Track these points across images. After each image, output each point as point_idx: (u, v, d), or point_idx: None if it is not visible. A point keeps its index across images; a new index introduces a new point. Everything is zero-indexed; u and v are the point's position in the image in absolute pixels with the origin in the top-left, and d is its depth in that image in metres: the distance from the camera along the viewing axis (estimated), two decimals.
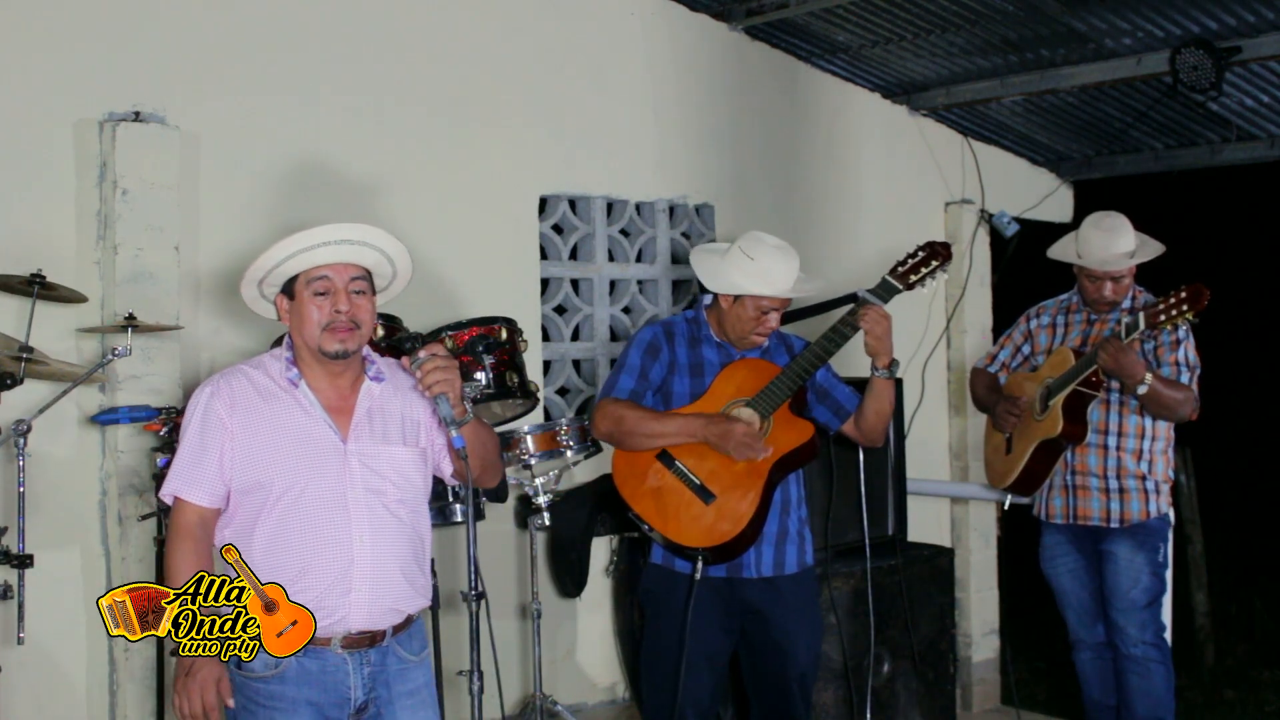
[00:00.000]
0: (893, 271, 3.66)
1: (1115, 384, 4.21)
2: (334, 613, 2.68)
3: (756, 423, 3.58)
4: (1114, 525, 4.31)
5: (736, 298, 3.64)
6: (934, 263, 3.64)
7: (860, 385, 3.74)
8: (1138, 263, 4.32)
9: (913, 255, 3.67)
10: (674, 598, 3.65)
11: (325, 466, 2.74)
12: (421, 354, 2.74)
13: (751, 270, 3.61)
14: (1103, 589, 4.38)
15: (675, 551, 3.66)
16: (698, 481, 3.59)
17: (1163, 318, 3.92)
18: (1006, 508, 4.70)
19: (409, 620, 2.85)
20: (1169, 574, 4.48)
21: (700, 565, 3.59)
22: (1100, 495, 4.31)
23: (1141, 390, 4.09)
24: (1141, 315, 3.97)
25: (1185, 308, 3.88)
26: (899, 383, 4.87)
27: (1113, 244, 4.30)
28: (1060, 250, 4.46)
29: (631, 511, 3.65)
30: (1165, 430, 4.33)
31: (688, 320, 3.78)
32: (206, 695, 2.61)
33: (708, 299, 3.77)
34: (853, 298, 3.72)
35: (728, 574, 3.66)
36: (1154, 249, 4.33)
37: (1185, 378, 4.20)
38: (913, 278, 3.65)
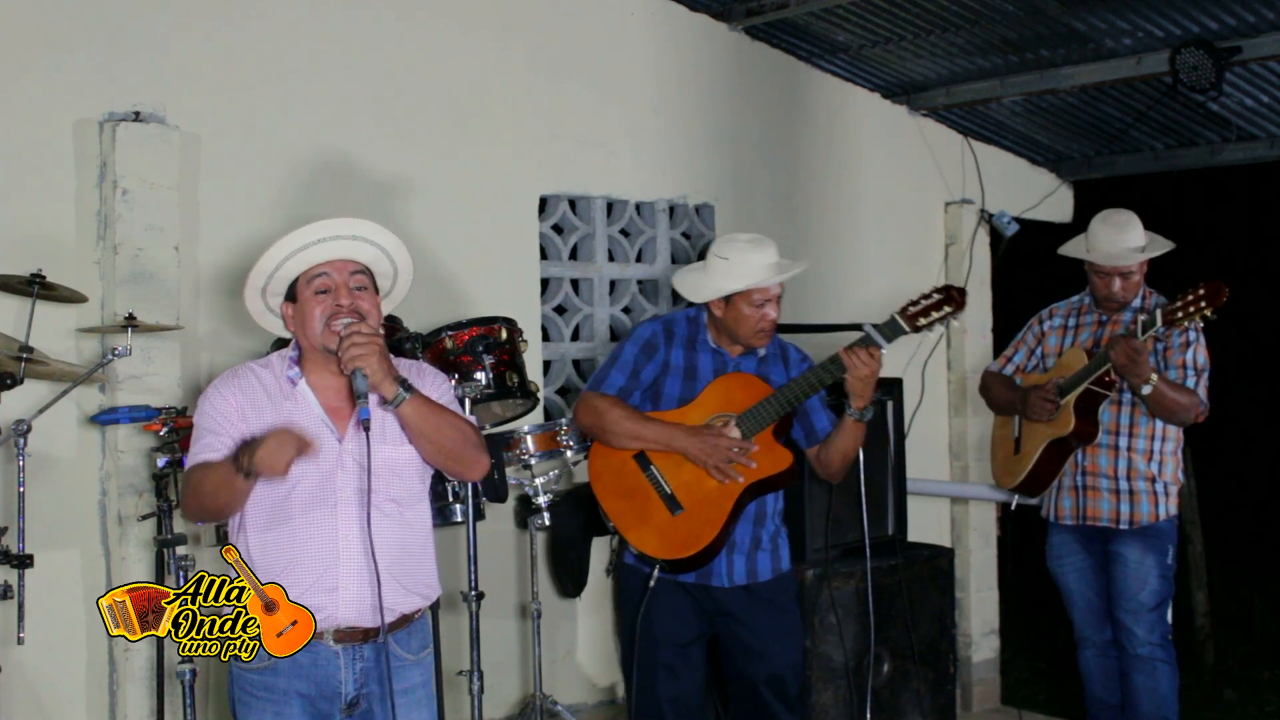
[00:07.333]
0: (903, 311, 3.56)
1: (1127, 384, 4.21)
2: (321, 608, 2.68)
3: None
4: (1123, 527, 4.30)
5: (728, 301, 3.62)
6: (946, 308, 3.54)
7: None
8: (1147, 259, 4.31)
9: (926, 296, 3.56)
10: (640, 599, 3.65)
11: (318, 464, 2.73)
12: (341, 330, 2.71)
13: (730, 270, 3.60)
14: (1110, 590, 4.37)
15: (637, 556, 3.66)
16: (669, 490, 3.57)
17: (1180, 314, 3.88)
18: (1013, 508, 4.70)
19: (406, 619, 2.83)
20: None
21: (655, 573, 3.59)
22: (1110, 496, 4.31)
23: (1146, 391, 4.08)
24: (1159, 312, 3.93)
25: (1203, 304, 3.84)
26: (898, 382, 4.88)
27: (1120, 239, 4.29)
28: (1071, 247, 4.46)
29: (600, 508, 3.66)
30: (1175, 432, 4.32)
31: (688, 320, 3.76)
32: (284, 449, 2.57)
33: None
34: (858, 328, 3.67)
35: (698, 580, 3.65)
36: (1163, 245, 4.33)
37: (1191, 381, 4.18)
38: (921, 320, 3.54)
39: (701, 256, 3.79)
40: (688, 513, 3.56)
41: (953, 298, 3.56)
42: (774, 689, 3.70)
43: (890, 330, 3.55)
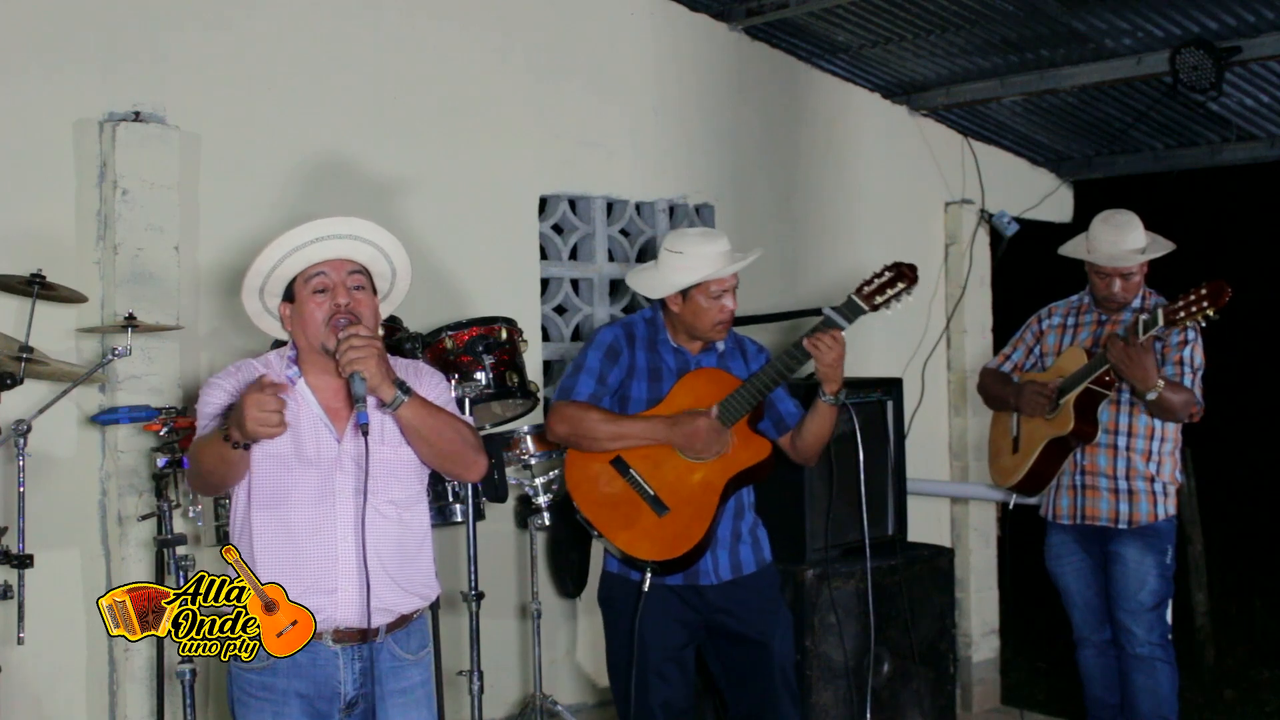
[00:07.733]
0: (858, 291, 3.57)
1: (1130, 387, 4.20)
2: (320, 610, 2.67)
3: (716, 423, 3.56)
4: (1122, 526, 4.30)
5: (685, 295, 3.61)
6: (900, 285, 3.54)
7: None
8: (1147, 260, 4.31)
9: (878, 275, 3.57)
10: (630, 606, 3.63)
11: (316, 465, 2.74)
12: (340, 332, 2.70)
13: (685, 263, 3.60)
14: (1109, 589, 4.37)
15: (626, 561, 3.65)
16: (651, 492, 3.56)
17: (1182, 314, 3.87)
18: (1011, 508, 4.70)
19: (405, 619, 2.83)
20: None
21: (648, 576, 3.58)
22: (1109, 496, 4.31)
23: (1150, 397, 4.08)
24: (1161, 312, 3.93)
25: (1205, 304, 3.83)
26: (898, 382, 4.88)
27: (1122, 240, 4.30)
28: (1071, 247, 4.46)
29: (580, 515, 3.62)
30: (1174, 432, 4.33)
31: (646, 321, 3.74)
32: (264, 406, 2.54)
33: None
34: (818, 313, 3.67)
35: (686, 580, 3.65)
36: (1164, 246, 4.33)
37: (1189, 380, 4.18)
38: (878, 299, 3.55)
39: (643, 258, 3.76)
40: (674, 512, 3.55)
41: (904, 274, 3.56)
42: (781, 681, 3.71)
43: (849, 311, 3.55)
